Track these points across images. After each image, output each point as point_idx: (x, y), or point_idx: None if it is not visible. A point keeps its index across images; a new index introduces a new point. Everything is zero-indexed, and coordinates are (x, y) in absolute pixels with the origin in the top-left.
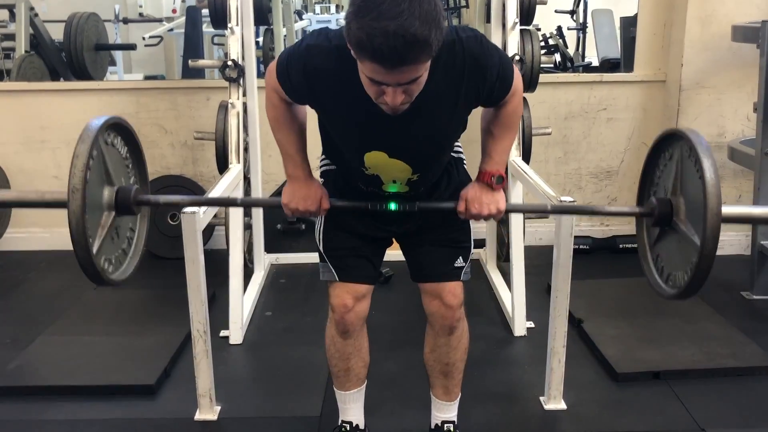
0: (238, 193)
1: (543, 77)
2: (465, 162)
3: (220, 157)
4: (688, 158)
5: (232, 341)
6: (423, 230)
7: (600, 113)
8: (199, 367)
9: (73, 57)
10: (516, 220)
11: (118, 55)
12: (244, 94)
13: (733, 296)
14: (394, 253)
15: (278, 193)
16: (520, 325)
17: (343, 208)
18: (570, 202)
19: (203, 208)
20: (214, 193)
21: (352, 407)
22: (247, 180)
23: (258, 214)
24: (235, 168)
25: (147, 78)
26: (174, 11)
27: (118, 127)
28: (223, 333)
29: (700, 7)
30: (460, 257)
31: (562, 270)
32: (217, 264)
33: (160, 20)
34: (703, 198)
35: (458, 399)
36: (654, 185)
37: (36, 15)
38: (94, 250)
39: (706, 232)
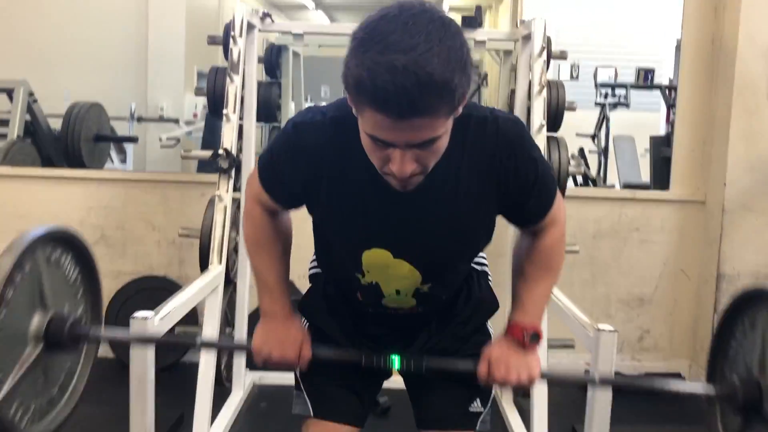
0: (215, 300)
1: (570, 191)
2: (490, 278)
3: (203, 256)
4: None
5: None
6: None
7: (632, 234)
8: None
9: (69, 146)
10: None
11: (129, 150)
12: (237, 190)
13: None
14: (394, 379)
15: None
16: None
17: (330, 360)
18: (611, 331)
19: (158, 317)
20: (183, 296)
21: None
22: (232, 285)
23: (242, 322)
24: (215, 269)
25: None
26: (195, 115)
27: (67, 243)
28: None
29: (745, 124)
30: (478, 400)
31: None
32: (192, 379)
33: (176, 121)
34: None
35: None
36: (728, 360)
37: (35, 101)
38: (2, 392)
39: None
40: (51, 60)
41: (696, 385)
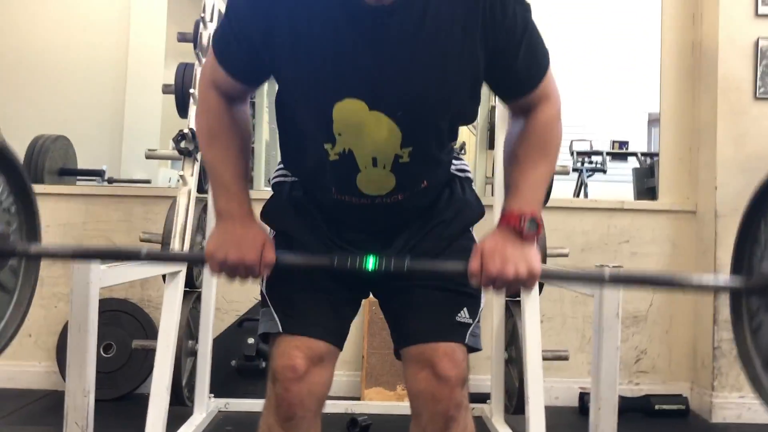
0: (175, 288)
1: (555, 200)
2: (475, 186)
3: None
4: None
5: None
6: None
7: (622, 246)
8: None
9: (32, 178)
10: (533, 357)
11: None
12: (203, 191)
13: None
14: (374, 404)
15: (240, 323)
16: None
17: (297, 265)
18: (615, 266)
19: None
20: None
21: None
22: (195, 294)
23: (206, 342)
24: None
25: None
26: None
27: None
28: None
29: (732, 126)
30: (465, 309)
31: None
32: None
33: (148, 181)
34: None
35: None
36: (760, 246)
37: None
38: None
39: None
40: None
41: (722, 278)
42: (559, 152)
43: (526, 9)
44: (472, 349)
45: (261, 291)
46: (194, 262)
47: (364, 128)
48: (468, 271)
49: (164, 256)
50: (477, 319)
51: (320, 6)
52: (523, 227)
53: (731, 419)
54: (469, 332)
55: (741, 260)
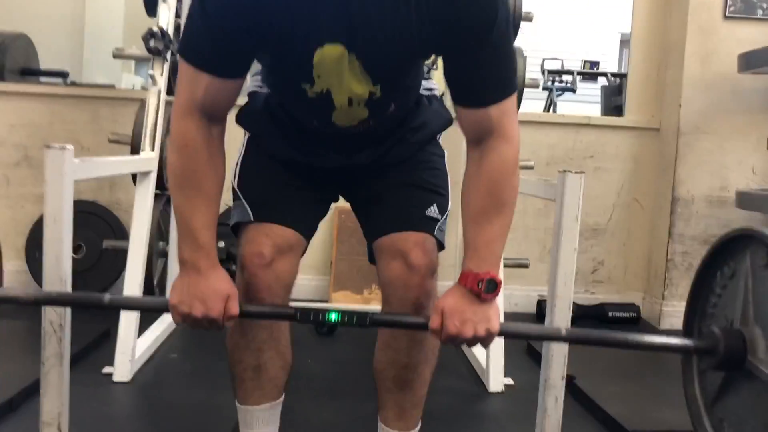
0: (146, 190)
1: (523, 115)
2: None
3: (133, 151)
4: (766, 268)
5: (116, 378)
6: (383, 168)
7: (586, 161)
8: (47, 380)
9: None
10: None
11: None
12: (171, 93)
13: None
14: (342, 306)
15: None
16: (497, 380)
17: (261, 313)
18: (577, 172)
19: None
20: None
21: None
22: (166, 197)
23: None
24: (147, 155)
25: None
26: None
27: None
28: (106, 369)
29: (700, 43)
30: (434, 205)
31: (564, 267)
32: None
33: (112, 86)
34: None
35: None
36: (708, 317)
37: None
38: None
39: None
40: None
41: (672, 339)
42: (515, 206)
43: (508, 28)
44: (440, 244)
45: (232, 186)
46: (158, 310)
47: (343, 71)
48: (430, 328)
49: (127, 302)
50: (445, 216)
51: None
52: (481, 290)
53: (678, 326)
54: (437, 226)
55: (692, 321)
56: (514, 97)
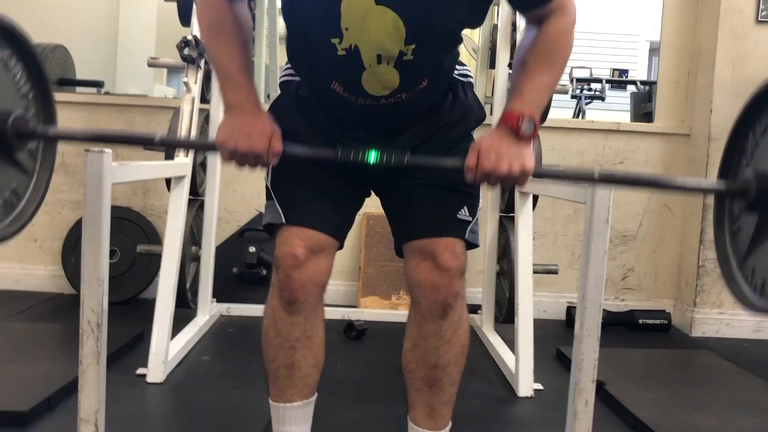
0: (180, 196)
1: (552, 120)
2: (476, 89)
3: (168, 157)
4: None
5: (150, 379)
6: (413, 168)
7: (616, 166)
8: (84, 378)
9: None
10: (524, 269)
11: None
12: (206, 101)
13: None
14: (370, 311)
15: (241, 232)
16: (526, 385)
17: (303, 157)
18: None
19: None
20: (145, 163)
21: (293, 430)
22: (199, 203)
23: (209, 249)
24: (181, 160)
25: None
26: None
27: (8, 38)
28: (140, 371)
29: (732, 48)
30: (465, 208)
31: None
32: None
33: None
34: None
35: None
36: (746, 155)
37: None
38: None
39: None
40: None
41: (705, 181)
42: (567, 64)
43: None
44: (471, 245)
45: (266, 185)
46: (205, 149)
47: (370, 22)
48: (464, 166)
49: (177, 142)
50: (476, 218)
51: None
52: (520, 127)
53: (710, 334)
54: (468, 229)
55: (728, 166)
56: None
